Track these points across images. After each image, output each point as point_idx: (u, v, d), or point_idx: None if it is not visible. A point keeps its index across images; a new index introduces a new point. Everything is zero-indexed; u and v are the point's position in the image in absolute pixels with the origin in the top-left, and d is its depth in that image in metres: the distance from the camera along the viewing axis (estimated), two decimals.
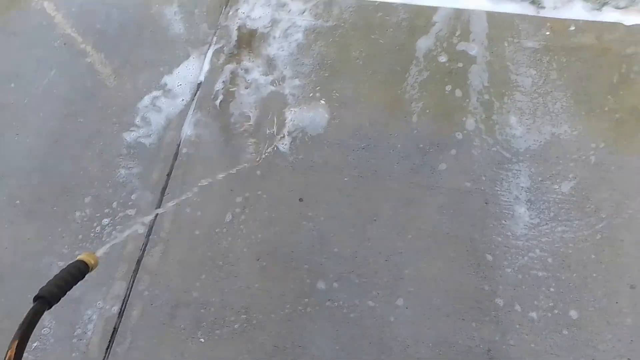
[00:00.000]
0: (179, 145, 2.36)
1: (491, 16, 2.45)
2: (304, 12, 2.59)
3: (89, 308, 2.10)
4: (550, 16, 2.43)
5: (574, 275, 1.96)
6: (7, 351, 0.92)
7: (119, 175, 2.34)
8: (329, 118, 2.34)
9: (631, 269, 1.94)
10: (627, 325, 1.87)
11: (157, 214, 2.17)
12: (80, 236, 2.23)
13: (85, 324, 2.08)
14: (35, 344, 2.06)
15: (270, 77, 2.46)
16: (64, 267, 1.17)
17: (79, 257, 1.20)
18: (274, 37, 2.56)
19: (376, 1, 2.56)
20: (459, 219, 2.09)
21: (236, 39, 2.59)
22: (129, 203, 2.27)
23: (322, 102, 2.37)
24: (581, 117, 2.20)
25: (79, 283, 1.17)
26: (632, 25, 2.35)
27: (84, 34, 2.73)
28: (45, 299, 1.04)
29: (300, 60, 2.49)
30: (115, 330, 2.05)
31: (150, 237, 2.19)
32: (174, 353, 1.99)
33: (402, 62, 2.41)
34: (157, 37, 2.66)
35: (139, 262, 2.15)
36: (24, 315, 0.99)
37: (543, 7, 2.48)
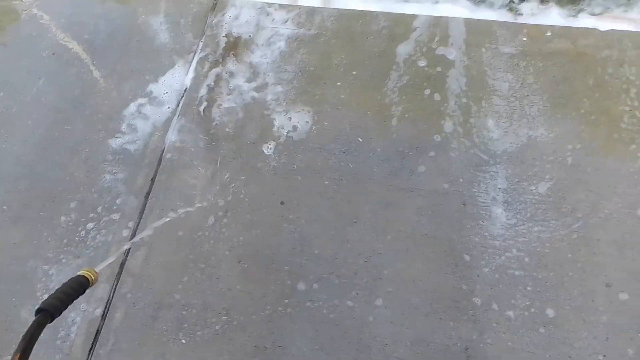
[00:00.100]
0: (163, 151, 2.41)
1: (469, 23, 2.50)
2: (286, 21, 2.65)
3: (73, 311, 2.12)
4: (527, 22, 2.49)
5: (551, 274, 1.98)
6: None
7: (104, 180, 2.38)
8: (310, 123, 2.38)
9: (607, 268, 1.96)
10: (603, 323, 1.89)
11: (129, 248, 2.20)
12: (65, 240, 2.27)
13: (69, 326, 2.10)
14: None
15: (254, 84, 2.51)
16: (66, 281, 1.22)
17: (80, 272, 1.26)
18: (258, 45, 2.62)
19: (357, 10, 2.62)
20: (437, 220, 2.12)
21: (220, 47, 2.64)
22: (114, 207, 2.31)
23: (304, 107, 2.42)
24: (557, 120, 2.24)
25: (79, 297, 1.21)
26: (607, 30, 2.40)
27: (73, 44, 2.80)
28: (48, 312, 1.08)
29: (282, 67, 2.54)
30: (98, 332, 2.08)
31: (134, 241, 2.22)
32: (156, 354, 2.01)
33: (382, 68, 2.46)
34: (143, 47, 2.72)
35: (122, 265, 2.18)
36: (27, 327, 1.02)
37: (520, 14, 2.54)
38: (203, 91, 2.54)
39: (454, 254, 2.06)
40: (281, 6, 2.69)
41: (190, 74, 2.59)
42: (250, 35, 2.65)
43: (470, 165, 2.20)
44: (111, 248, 2.22)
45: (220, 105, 2.49)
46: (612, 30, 2.40)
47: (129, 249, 2.17)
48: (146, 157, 2.41)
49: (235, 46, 2.64)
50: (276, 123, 2.41)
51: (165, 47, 2.70)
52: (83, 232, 2.28)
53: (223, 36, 2.67)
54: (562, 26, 2.45)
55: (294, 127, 2.38)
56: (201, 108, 2.49)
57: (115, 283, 2.15)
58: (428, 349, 1.92)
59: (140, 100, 2.56)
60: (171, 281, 2.12)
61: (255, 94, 2.49)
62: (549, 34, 2.44)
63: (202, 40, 2.69)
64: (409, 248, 2.09)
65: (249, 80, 2.53)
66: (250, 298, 2.07)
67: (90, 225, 2.29)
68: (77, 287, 1.21)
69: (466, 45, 2.45)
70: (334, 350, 1.95)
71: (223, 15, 2.74)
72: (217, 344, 2.00)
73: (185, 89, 2.56)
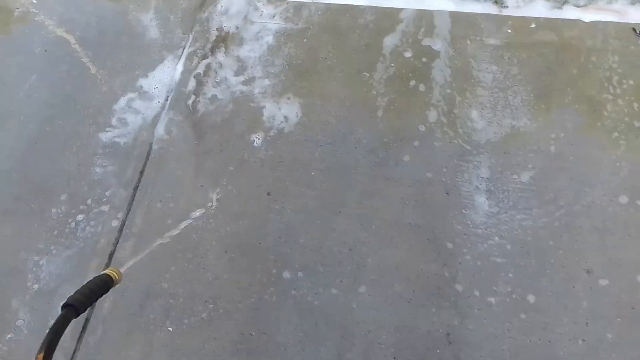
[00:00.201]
0: (152, 144, 2.44)
1: (455, 16, 2.53)
2: (274, 16, 2.68)
3: (63, 300, 2.14)
4: (512, 15, 2.51)
5: (532, 261, 2.01)
6: (37, 354, 0.97)
7: (94, 173, 2.42)
8: (297, 116, 2.42)
9: (588, 255, 1.99)
10: (583, 308, 1.91)
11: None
12: (55, 232, 2.31)
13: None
14: (9, 335, 2.12)
15: (242, 78, 2.55)
16: (91, 278, 1.25)
17: (105, 271, 1.29)
18: (246, 40, 2.65)
19: (344, 4, 2.65)
20: (421, 210, 2.15)
21: (209, 42, 2.68)
22: (103, 199, 2.35)
23: (291, 100, 2.45)
24: (541, 110, 2.27)
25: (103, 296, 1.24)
26: (591, 21, 2.42)
27: (64, 41, 2.84)
28: (74, 307, 1.11)
29: (270, 61, 2.57)
30: (87, 321, 2.11)
31: (123, 232, 2.25)
32: (144, 342, 2.04)
33: (369, 60, 2.49)
34: (134, 43, 2.76)
35: (111, 255, 2.21)
36: (53, 321, 1.05)
37: (506, 7, 2.56)
38: (192, 85, 2.57)
39: (437, 242, 2.08)
40: (269, 1, 2.73)
41: (180, 69, 2.63)
42: (238, 31, 2.69)
43: (454, 155, 2.23)
44: (100, 239, 2.26)
45: (209, 99, 2.52)
46: (596, 21, 2.42)
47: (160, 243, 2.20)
48: (135, 150, 2.44)
49: (223, 41, 2.67)
50: (264, 116, 2.44)
51: (155, 43, 2.74)
52: (73, 224, 2.31)
53: (211, 31, 2.71)
54: (546, 18, 2.48)
55: (282, 120, 2.41)
56: (190, 102, 2.53)
57: None
58: (410, 335, 1.94)
59: (131, 95, 2.60)
60: (159, 271, 2.16)
61: (243, 88, 2.52)
62: (533, 25, 2.47)
63: (191, 35, 2.72)
64: (393, 237, 2.11)
65: (237, 74, 2.57)
66: (237, 287, 2.10)
67: (80, 217, 2.33)
68: (102, 284, 1.24)
69: (452, 37, 2.47)
70: (318, 336, 1.98)
71: (212, 11, 2.78)
72: (203, 331, 2.04)
73: (175, 83, 2.59)
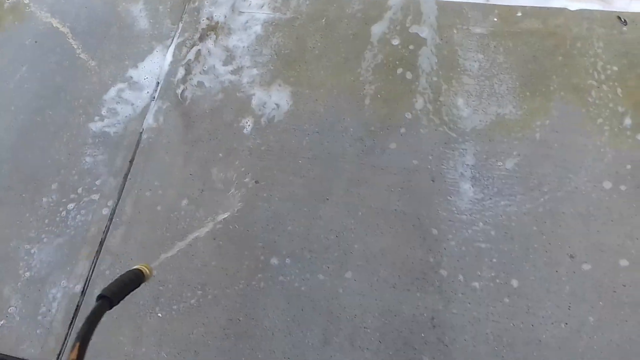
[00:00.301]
0: (141, 133, 2.46)
1: (442, 4, 2.54)
2: (262, 6, 2.70)
3: (54, 287, 2.19)
4: (499, 3, 2.53)
5: (516, 246, 2.03)
6: (73, 346, 0.99)
7: (84, 162, 2.44)
8: (285, 104, 2.43)
9: (571, 240, 2.01)
10: (566, 292, 1.94)
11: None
12: (46, 220, 2.33)
13: (50, 302, 2.17)
14: (1, 322, 2.15)
15: (230, 67, 2.57)
16: (124, 272, 1.26)
17: (136, 266, 1.30)
18: (234, 30, 2.67)
19: None
20: (406, 196, 2.17)
21: (198, 32, 2.69)
22: (94, 188, 2.37)
23: (279, 89, 2.47)
24: (526, 97, 2.29)
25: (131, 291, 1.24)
26: (577, 10, 2.44)
27: (55, 32, 2.85)
28: (108, 299, 1.13)
29: (258, 50, 2.59)
30: (78, 307, 2.14)
31: (113, 220, 2.28)
32: (133, 327, 2.08)
33: (357, 49, 2.51)
34: (123, 34, 2.78)
35: (101, 243, 2.24)
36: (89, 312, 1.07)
37: None
38: (180, 75, 2.59)
39: (422, 228, 2.11)
40: None
41: (169, 59, 2.65)
42: (227, 21, 2.70)
43: (440, 142, 2.25)
44: (91, 227, 2.29)
45: (197, 88, 2.54)
46: (582, 9, 2.44)
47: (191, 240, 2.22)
48: (125, 140, 2.47)
49: (212, 31, 2.69)
50: (252, 104, 2.46)
51: (144, 34, 2.75)
52: (64, 212, 2.34)
53: (200, 22, 2.72)
54: (532, 6, 2.49)
55: (270, 109, 2.43)
56: (179, 91, 2.55)
57: (94, 261, 2.21)
58: (395, 319, 1.97)
59: (120, 85, 2.62)
60: (148, 258, 2.18)
61: (232, 77, 2.54)
62: (519, 14, 2.48)
63: (181, 25, 2.74)
64: (379, 224, 2.14)
65: (225, 64, 2.58)
66: (225, 273, 2.13)
67: (70, 205, 2.35)
68: (135, 278, 1.25)
69: (439, 26, 2.49)
70: (305, 321, 2.01)
71: (201, 1, 2.79)
72: (192, 317, 2.07)
73: (164, 73, 2.61)
